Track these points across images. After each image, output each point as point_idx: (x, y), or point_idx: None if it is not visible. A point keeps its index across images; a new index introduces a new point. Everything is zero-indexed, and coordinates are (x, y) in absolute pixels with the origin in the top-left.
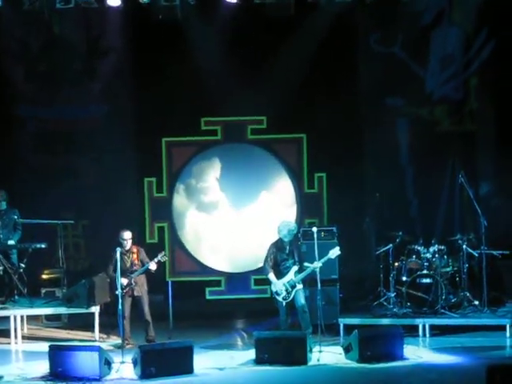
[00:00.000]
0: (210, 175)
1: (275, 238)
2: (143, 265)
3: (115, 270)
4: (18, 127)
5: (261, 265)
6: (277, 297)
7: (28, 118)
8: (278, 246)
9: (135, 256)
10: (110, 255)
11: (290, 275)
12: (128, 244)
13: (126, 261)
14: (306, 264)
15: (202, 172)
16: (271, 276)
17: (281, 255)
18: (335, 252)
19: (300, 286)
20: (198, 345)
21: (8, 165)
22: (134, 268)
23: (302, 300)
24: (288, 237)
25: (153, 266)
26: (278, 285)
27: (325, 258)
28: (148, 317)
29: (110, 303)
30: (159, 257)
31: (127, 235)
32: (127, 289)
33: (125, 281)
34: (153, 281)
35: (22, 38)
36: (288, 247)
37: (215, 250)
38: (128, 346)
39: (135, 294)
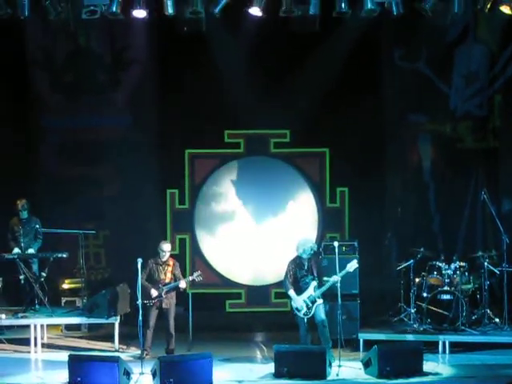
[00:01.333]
0: (232, 188)
1: (295, 251)
2: (175, 279)
3: (148, 280)
4: (41, 137)
5: (281, 278)
6: (298, 313)
7: (52, 128)
8: (296, 262)
9: (170, 269)
10: (131, 265)
11: (310, 291)
12: (166, 256)
13: (160, 272)
14: (325, 278)
15: (224, 184)
16: (291, 292)
17: (300, 272)
18: (353, 265)
19: (320, 301)
20: (217, 357)
21: (31, 174)
22: (166, 281)
23: (322, 315)
24: (305, 255)
25: (183, 285)
26: (299, 301)
27: (343, 272)
28: (172, 330)
29: (130, 313)
30: (194, 275)
31: (167, 247)
32: (155, 300)
33: (155, 292)
34: (176, 292)
35: (48, 48)
36: (307, 264)
37: (236, 262)
38: (147, 357)
39: (163, 306)
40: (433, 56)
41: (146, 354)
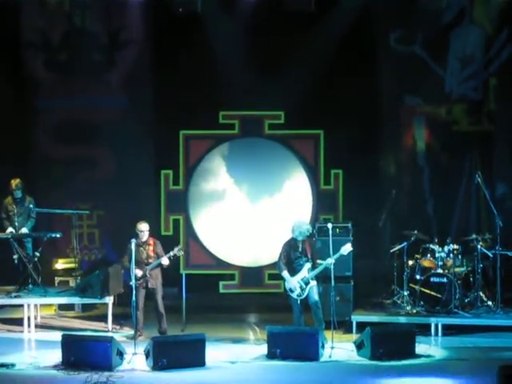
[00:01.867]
0: (227, 169)
1: (290, 234)
2: (158, 258)
3: (130, 261)
4: (36, 117)
5: (275, 260)
6: (291, 294)
7: (47, 108)
8: (290, 244)
9: (151, 248)
10: (125, 246)
11: (304, 272)
12: (145, 236)
13: (141, 252)
14: (319, 261)
15: (218, 165)
16: (285, 273)
17: (294, 253)
18: (347, 248)
19: (314, 283)
20: (210, 338)
21: (25, 154)
22: (150, 260)
23: (315, 296)
24: (300, 237)
25: (165, 261)
26: (292, 282)
27: (337, 255)
28: (161, 309)
29: (123, 294)
30: (175, 250)
31: (144, 227)
32: (141, 280)
33: (139, 272)
34: (167, 273)
35: (43, 28)
36: (301, 245)
37: (230, 243)
38: (140, 338)
39: (149, 286)
40: (428, 39)
41: (139, 335)
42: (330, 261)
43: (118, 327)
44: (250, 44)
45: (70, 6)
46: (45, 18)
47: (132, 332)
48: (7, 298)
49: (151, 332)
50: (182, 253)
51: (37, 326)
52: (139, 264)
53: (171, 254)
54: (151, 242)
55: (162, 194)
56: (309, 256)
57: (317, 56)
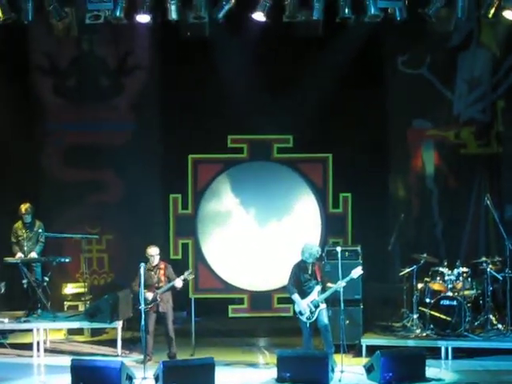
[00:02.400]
0: (235, 193)
1: (299, 257)
2: (169, 281)
3: (140, 285)
4: (44, 141)
5: (284, 283)
6: (300, 317)
7: (55, 132)
8: (300, 266)
9: (162, 272)
10: (134, 270)
11: (314, 295)
12: (155, 260)
13: (152, 276)
14: (329, 284)
15: (227, 189)
16: (295, 296)
17: (303, 276)
18: (357, 272)
19: (323, 306)
20: (219, 362)
21: (34, 178)
22: (160, 284)
23: (325, 320)
24: (310, 259)
25: (178, 284)
26: (302, 305)
27: (347, 278)
28: (171, 333)
29: (132, 318)
30: (186, 275)
31: (154, 251)
32: (152, 304)
33: (150, 295)
34: (176, 297)
35: (51, 53)
36: (311, 268)
37: (238, 267)
38: (149, 362)
39: (160, 310)
40: (436, 62)
41: (149, 359)
42: (341, 284)
43: (127, 352)
44: (258, 68)
45: (79, 30)
46: (53, 43)
47: (141, 356)
48: (17, 323)
49: (160, 356)
50: (192, 277)
51: (46, 351)
52: (150, 288)
53: (182, 278)
54: (162, 265)
55: (170, 218)
56: (318, 279)
57: (325, 80)
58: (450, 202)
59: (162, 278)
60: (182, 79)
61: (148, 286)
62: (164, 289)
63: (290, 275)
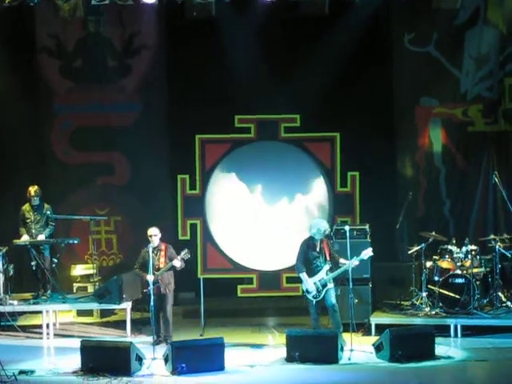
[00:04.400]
0: (243, 173)
1: (307, 234)
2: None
3: (140, 268)
4: (52, 123)
5: (292, 263)
6: (307, 295)
7: (63, 114)
8: (308, 243)
9: (162, 253)
10: (139, 252)
11: (322, 274)
12: (156, 240)
13: (153, 258)
14: (341, 260)
15: (234, 169)
16: (303, 275)
17: (312, 253)
18: (368, 253)
19: (331, 285)
20: (229, 342)
21: (42, 160)
22: (161, 266)
23: (332, 299)
24: (318, 235)
25: (177, 263)
26: (309, 283)
27: (358, 258)
28: (169, 316)
29: (141, 300)
30: (182, 254)
31: (153, 231)
32: (154, 286)
33: (151, 278)
34: (185, 278)
35: (58, 34)
36: (319, 245)
37: (247, 247)
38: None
39: (161, 291)
40: (443, 39)
41: (160, 340)
42: (355, 262)
43: (136, 333)
44: (264, 47)
45: (85, 12)
46: (59, 24)
47: (150, 338)
48: (26, 305)
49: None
50: (188, 256)
51: (56, 333)
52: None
53: (178, 257)
54: (163, 247)
55: (178, 199)
56: (327, 256)
57: (332, 58)
58: (457, 180)
59: (162, 260)
60: (189, 59)
61: (148, 268)
62: (163, 270)
63: (299, 253)
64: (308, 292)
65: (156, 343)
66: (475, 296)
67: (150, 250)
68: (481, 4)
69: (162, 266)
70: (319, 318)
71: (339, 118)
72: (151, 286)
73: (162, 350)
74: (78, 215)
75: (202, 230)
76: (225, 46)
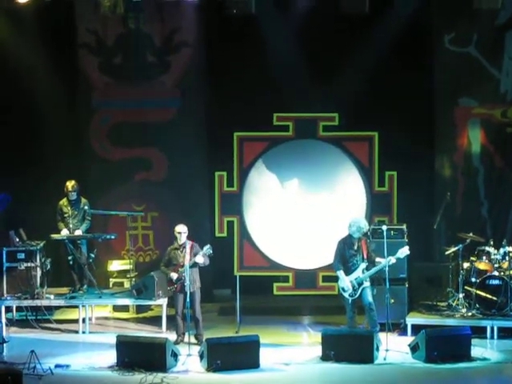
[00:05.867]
0: (281, 171)
1: (344, 234)
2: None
3: (166, 265)
4: (91, 118)
5: (329, 262)
6: (343, 293)
7: (102, 110)
8: (346, 242)
9: (188, 251)
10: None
11: (358, 272)
12: (183, 238)
13: (178, 255)
14: (378, 259)
15: (272, 167)
16: (340, 273)
17: (349, 251)
18: (404, 251)
19: (367, 284)
20: (264, 340)
21: (81, 156)
22: (186, 263)
23: (369, 298)
24: (357, 234)
25: (199, 260)
26: (346, 281)
27: (395, 256)
28: (198, 315)
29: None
30: (204, 250)
31: (181, 228)
32: (177, 284)
33: (175, 275)
34: (221, 275)
35: (98, 30)
36: (357, 243)
37: (284, 245)
38: (181, 343)
39: (187, 290)
40: (483, 40)
41: (180, 340)
42: (392, 260)
43: (172, 329)
44: (304, 45)
45: (125, 8)
46: (99, 20)
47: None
48: (63, 300)
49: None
50: (210, 252)
51: (91, 327)
52: (175, 268)
53: (201, 253)
54: (189, 244)
55: (216, 196)
56: (365, 255)
57: (371, 57)
58: (496, 181)
59: (188, 257)
60: (228, 56)
61: (174, 266)
62: (186, 266)
63: (336, 251)
64: (344, 290)
65: (176, 342)
66: None
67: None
68: None
69: (187, 263)
70: (355, 316)
71: (378, 118)
72: (187, 282)
73: (197, 347)
74: (116, 211)
75: (239, 228)
76: (264, 43)
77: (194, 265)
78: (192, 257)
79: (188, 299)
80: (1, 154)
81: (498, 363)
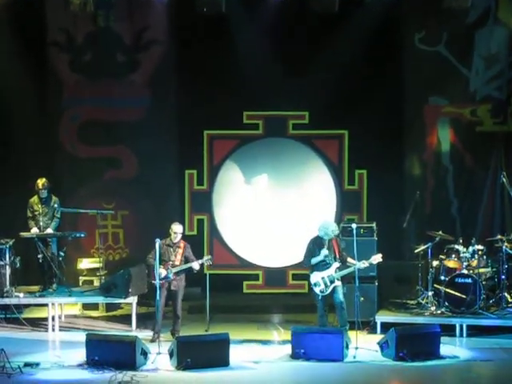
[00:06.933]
0: (251, 169)
1: (314, 233)
2: (187, 261)
3: (154, 258)
4: (61, 117)
5: (299, 260)
6: (314, 288)
7: (71, 108)
8: (317, 242)
9: (181, 251)
10: (150, 246)
11: (331, 270)
12: (177, 237)
13: (170, 253)
14: (349, 259)
15: (242, 166)
16: (312, 268)
17: (319, 251)
18: (377, 258)
19: (339, 283)
20: (234, 338)
21: (50, 153)
22: (176, 262)
23: (340, 297)
24: (326, 237)
25: (196, 266)
26: (317, 277)
27: (367, 262)
28: (179, 312)
29: (147, 294)
30: (204, 259)
31: (178, 229)
32: (163, 281)
33: (163, 271)
34: (191, 273)
35: (68, 28)
36: (327, 243)
37: (254, 243)
38: (158, 339)
39: (172, 287)
40: (453, 39)
41: (157, 338)
42: (363, 265)
43: (141, 327)
44: (274, 44)
45: (95, 6)
46: (69, 18)
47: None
48: (32, 298)
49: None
50: (210, 263)
51: (61, 326)
52: (164, 264)
53: (200, 261)
54: (182, 244)
55: (186, 194)
56: (337, 254)
57: (341, 56)
58: (465, 180)
59: (179, 257)
60: (198, 55)
61: (163, 262)
62: (179, 268)
63: (306, 250)
64: (315, 285)
65: (152, 340)
66: (481, 296)
67: (157, 245)
68: (492, 3)
69: (177, 262)
70: (326, 315)
71: (348, 116)
72: (157, 281)
73: (168, 344)
74: (85, 209)
75: (209, 226)
76: (234, 41)
77: (188, 269)
78: (183, 258)
79: (158, 297)
80: None
81: (467, 361)
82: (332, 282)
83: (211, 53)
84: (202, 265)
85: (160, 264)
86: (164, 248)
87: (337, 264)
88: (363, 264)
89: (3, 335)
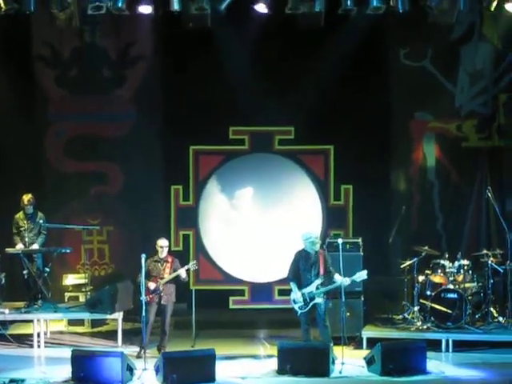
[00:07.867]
0: (237, 185)
1: (300, 248)
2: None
3: (148, 278)
4: (47, 132)
5: (285, 275)
6: (294, 305)
7: (57, 123)
8: (302, 255)
9: (169, 265)
10: (136, 261)
11: (312, 287)
12: (164, 252)
13: (158, 268)
14: (336, 276)
15: (228, 181)
16: (293, 284)
17: (303, 263)
18: (362, 275)
19: (319, 300)
20: (220, 353)
21: (36, 169)
22: (165, 276)
23: (322, 314)
24: (309, 247)
25: (183, 274)
26: (297, 294)
27: (352, 278)
28: (167, 327)
29: (133, 310)
30: (189, 265)
31: (163, 243)
32: (153, 295)
33: (152, 285)
34: (177, 289)
35: (53, 43)
36: (313, 257)
37: (240, 259)
38: (148, 354)
39: (162, 302)
40: (438, 54)
41: (144, 353)
42: (346, 282)
43: (127, 343)
44: (259, 60)
45: (80, 21)
46: (55, 33)
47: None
48: (17, 314)
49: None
50: (196, 267)
51: (46, 342)
52: (154, 279)
53: (185, 267)
54: (169, 259)
55: (172, 210)
56: (321, 271)
57: (327, 72)
58: (451, 195)
59: (168, 271)
60: (184, 70)
61: (152, 277)
62: (167, 278)
63: (291, 262)
64: (295, 302)
65: (139, 356)
66: (467, 311)
67: (143, 260)
68: (476, 19)
69: (166, 275)
70: (310, 329)
71: (333, 131)
72: (143, 297)
73: (154, 360)
74: (71, 224)
75: (195, 241)
76: (220, 57)
77: (175, 278)
78: (172, 271)
79: (144, 313)
80: None
81: (453, 377)
82: (312, 298)
83: (197, 68)
84: (188, 270)
85: (149, 280)
86: (152, 265)
87: (319, 281)
88: (346, 282)
89: None
